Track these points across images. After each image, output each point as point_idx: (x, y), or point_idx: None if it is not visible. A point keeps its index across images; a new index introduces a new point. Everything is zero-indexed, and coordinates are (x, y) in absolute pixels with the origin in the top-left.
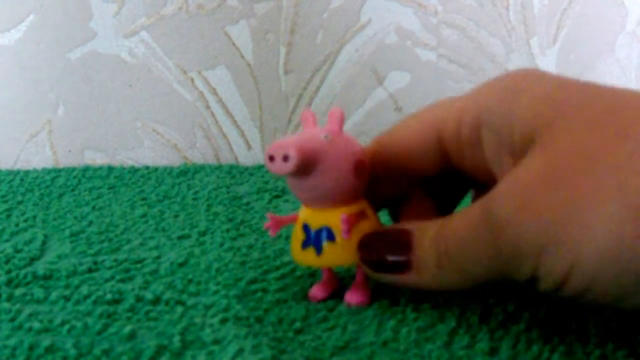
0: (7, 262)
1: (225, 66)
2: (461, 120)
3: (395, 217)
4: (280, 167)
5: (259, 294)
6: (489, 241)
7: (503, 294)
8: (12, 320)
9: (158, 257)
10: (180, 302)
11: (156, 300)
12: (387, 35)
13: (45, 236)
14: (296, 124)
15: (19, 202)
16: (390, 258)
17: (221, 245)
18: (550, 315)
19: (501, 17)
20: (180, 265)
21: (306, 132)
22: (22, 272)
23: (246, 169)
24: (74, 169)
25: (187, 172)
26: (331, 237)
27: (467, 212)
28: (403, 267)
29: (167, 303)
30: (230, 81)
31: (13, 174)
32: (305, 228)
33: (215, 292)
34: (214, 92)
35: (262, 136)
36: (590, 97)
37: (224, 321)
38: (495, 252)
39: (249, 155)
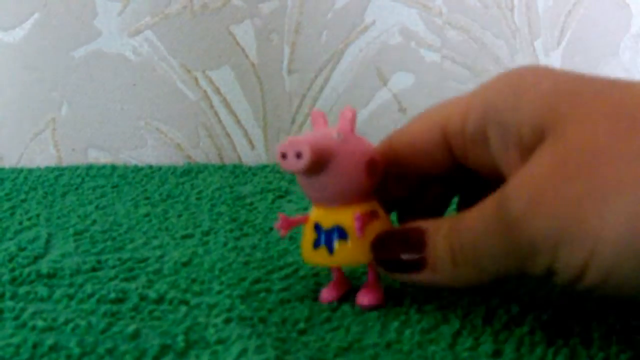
0: (11, 260)
1: (229, 66)
2: (466, 116)
3: (403, 219)
4: (293, 165)
5: (263, 294)
6: (503, 236)
7: (507, 296)
8: (16, 318)
9: (162, 257)
10: (184, 302)
11: (160, 300)
12: (391, 36)
13: (49, 234)
14: (300, 124)
15: (23, 201)
16: (405, 257)
17: (225, 245)
18: (554, 317)
19: (506, 18)
20: (184, 264)
21: (318, 131)
22: (26, 270)
23: (249, 168)
24: (77, 168)
25: (190, 172)
26: (343, 236)
27: (480, 207)
28: (418, 265)
29: (170, 302)
30: (234, 81)
31: (17, 172)
32: (317, 228)
33: (219, 292)
34: (218, 91)
35: (265, 136)
36: (602, 89)
37: (227, 321)
38: (510, 247)
39: (253, 155)
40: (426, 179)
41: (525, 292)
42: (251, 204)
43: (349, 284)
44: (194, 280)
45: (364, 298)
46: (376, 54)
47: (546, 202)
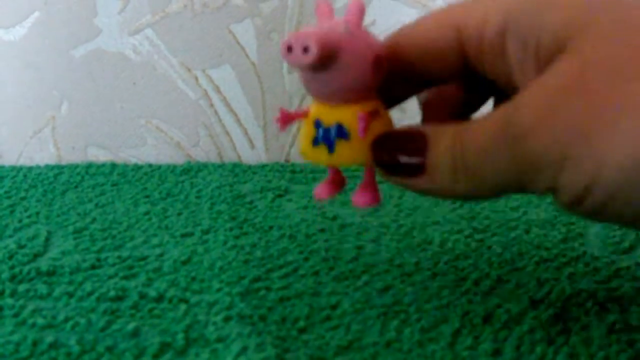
0: (10, 257)
1: (229, 65)
2: (485, 23)
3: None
4: (299, 59)
5: (263, 292)
6: (508, 150)
7: (506, 295)
8: (16, 315)
9: (161, 255)
10: (183, 300)
11: (159, 298)
12: None
13: (49, 232)
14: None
15: (22, 198)
16: (404, 160)
17: (224, 243)
18: (553, 316)
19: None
20: (184, 263)
21: (324, 24)
22: (26, 268)
23: (249, 167)
24: (77, 166)
25: (190, 170)
26: (344, 134)
27: (487, 119)
28: (416, 170)
29: (170, 300)
30: (234, 80)
31: (16, 170)
32: (317, 124)
33: (219, 290)
34: (218, 90)
35: (265, 135)
36: (627, 5)
37: (227, 319)
38: (514, 162)
39: (252, 154)
40: (431, 80)
41: (525, 291)
42: (251, 202)
43: (344, 183)
44: (193, 279)
45: (360, 198)
46: None
47: (555, 116)
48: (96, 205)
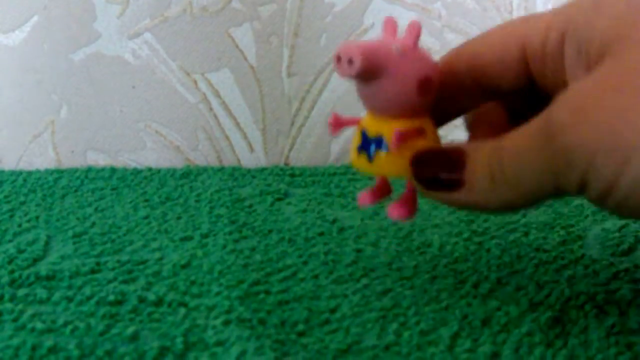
0: (10, 262)
1: (228, 68)
2: (547, 35)
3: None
4: (344, 70)
5: (262, 295)
6: (544, 148)
7: (505, 298)
8: (15, 320)
9: (161, 259)
10: (182, 304)
11: (159, 302)
12: None
13: (48, 237)
14: (299, 126)
15: (22, 203)
16: (443, 175)
17: (224, 247)
18: (552, 319)
19: (504, 21)
20: (183, 267)
21: (380, 40)
22: (25, 272)
23: (249, 171)
24: (76, 170)
25: (189, 174)
26: (382, 146)
27: (527, 124)
28: (455, 184)
29: (169, 304)
30: (233, 83)
31: (16, 174)
32: (363, 133)
33: (218, 294)
34: (217, 94)
35: (264, 139)
36: None
37: (226, 323)
38: (549, 160)
39: (252, 158)
40: (490, 95)
41: (524, 294)
42: (250, 206)
43: (389, 192)
44: (192, 282)
45: (393, 210)
46: None
47: (589, 112)
48: (95, 209)
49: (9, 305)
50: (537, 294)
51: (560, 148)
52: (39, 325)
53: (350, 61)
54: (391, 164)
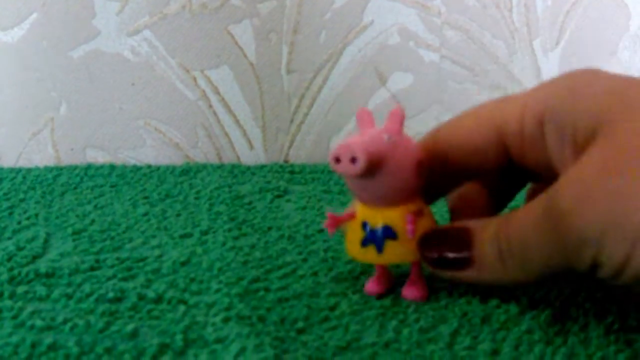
0: (9, 259)
1: (227, 65)
2: (524, 117)
3: (451, 209)
4: (348, 169)
5: (261, 293)
6: (551, 232)
7: (505, 296)
8: (15, 317)
9: (160, 256)
10: (182, 301)
11: (158, 299)
12: (390, 36)
13: (48, 234)
14: (298, 123)
15: (21, 200)
16: (451, 255)
17: (223, 244)
18: (552, 317)
19: (504, 18)
20: (183, 264)
21: (367, 133)
22: (25, 269)
23: (248, 168)
24: (76, 167)
25: (189, 171)
26: (393, 236)
27: (530, 206)
28: (464, 263)
29: (169, 302)
30: (232, 80)
31: (15, 171)
32: (365, 226)
33: (218, 291)
34: (217, 91)
35: (264, 136)
36: None
37: (226, 320)
38: (558, 243)
39: (251, 155)
40: (471, 176)
41: (524, 292)
42: (250, 203)
43: (393, 279)
44: (192, 280)
45: (410, 293)
46: (375, 54)
47: (594, 196)
48: (95, 206)
49: (8, 303)
50: (537, 291)
51: (568, 231)
52: (39, 323)
53: (353, 160)
54: (403, 250)
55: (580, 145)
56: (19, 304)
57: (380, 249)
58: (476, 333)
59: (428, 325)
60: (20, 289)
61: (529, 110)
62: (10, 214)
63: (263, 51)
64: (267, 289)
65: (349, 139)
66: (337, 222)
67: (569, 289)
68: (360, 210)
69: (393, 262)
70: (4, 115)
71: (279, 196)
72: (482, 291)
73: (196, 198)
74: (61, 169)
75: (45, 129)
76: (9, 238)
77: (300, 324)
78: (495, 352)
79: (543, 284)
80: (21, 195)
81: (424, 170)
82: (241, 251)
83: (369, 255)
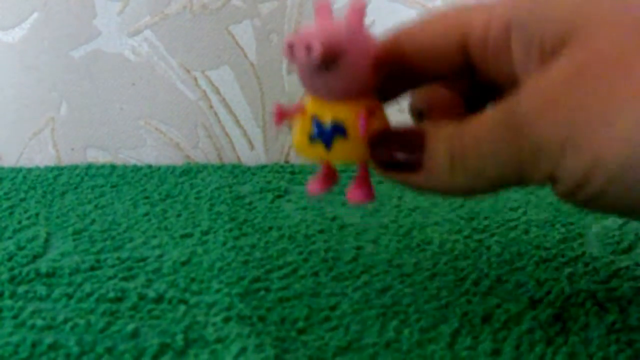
0: (10, 259)
1: (228, 66)
2: (490, 23)
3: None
4: (302, 58)
5: (262, 292)
6: (509, 140)
7: (506, 295)
8: (15, 317)
9: (161, 256)
10: (183, 301)
11: (159, 299)
12: None
13: (48, 234)
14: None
15: (22, 200)
16: (401, 157)
17: (224, 244)
18: (553, 316)
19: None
20: (183, 263)
21: (325, 23)
22: (25, 269)
23: (249, 168)
24: (76, 167)
25: (189, 172)
26: (342, 132)
27: (488, 113)
28: (414, 166)
29: (170, 301)
30: (233, 81)
31: (16, 171)
32: (314, 120)
33: (218, 291)
34: (217, 91)
35: (264, 136)
36: (633, 1)
37: (226, 320)
38: (514, 153)
39: (252, 155)
40: (430, 80)
41: (524, 291)
42: (250, 203)
43: (337, 178)
44: (193, 280)
45: (355, 195)
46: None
47: (557, 105)
48: (95, 206)
49: (8, 302)
50: (538, 291)
51: (527, 141)
52: (39, 322)
53: (308, 48)
54: (353, 149)
55: (548, 54)
56: (20, 303)
57: (328, 146)
58: (477, 333)
59: (429, 325)
60: (21, 289)
61: (496, 17)
62: (11, 213)
63: (264, 51)
64: (267, 289)
65: (305, 28)
66: (285, 114)
67: (570, 288)
68: (311, 105)
69: (341, 161)
70: (4, 115)
71: (279, 196)
72: (483, 291)
73: (197, 198)
74: (62, 168)
75: (46, 129)
76: (10, 238)
77: (300, 324)
78: (496, 352)
79: (492, 192)
80: (22, 195)
81: (382, 68)
82: (242, 251)
83: (317, 151)
